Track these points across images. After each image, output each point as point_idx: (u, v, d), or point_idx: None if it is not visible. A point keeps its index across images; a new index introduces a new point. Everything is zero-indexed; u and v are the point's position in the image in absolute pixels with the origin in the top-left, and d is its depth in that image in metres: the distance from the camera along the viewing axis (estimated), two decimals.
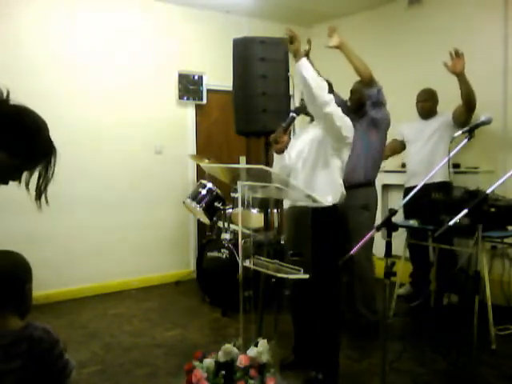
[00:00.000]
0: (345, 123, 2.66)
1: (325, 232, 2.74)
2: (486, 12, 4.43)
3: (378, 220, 4.03)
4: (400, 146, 4.53)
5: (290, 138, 2.92)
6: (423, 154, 4.23)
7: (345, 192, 2.86)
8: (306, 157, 2.82)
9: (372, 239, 3.33)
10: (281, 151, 2.83)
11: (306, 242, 2.72)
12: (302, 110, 2.84)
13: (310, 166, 2.79)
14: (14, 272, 1.56)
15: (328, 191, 2.72)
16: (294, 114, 2.81)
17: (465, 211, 2.21)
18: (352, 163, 3.60)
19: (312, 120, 2.93)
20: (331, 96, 2.60)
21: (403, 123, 4.49)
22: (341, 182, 2.83)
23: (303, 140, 2.91)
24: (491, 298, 3.39)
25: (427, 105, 4.33)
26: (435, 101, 4.35)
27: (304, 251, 2.71)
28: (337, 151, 2.75)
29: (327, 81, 2.76)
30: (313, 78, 2.53)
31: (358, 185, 3.56)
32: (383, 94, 3.52)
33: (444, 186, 3.90)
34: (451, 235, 3.94)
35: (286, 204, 3.02)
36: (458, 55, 3.86)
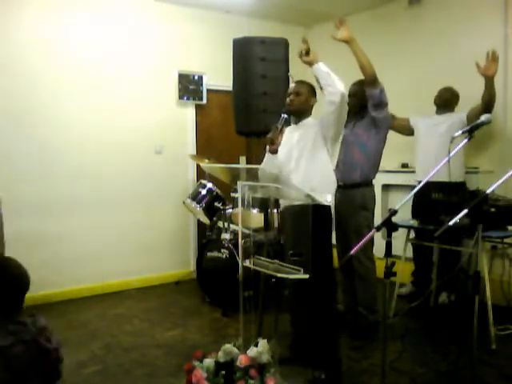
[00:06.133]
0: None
1: (321, 230, 2.77)
2: (486, 12, 4.43)
3: (378, 220, 4.04)
4: (407, 129, 4.47)
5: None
6: (434, 150, 4.17)
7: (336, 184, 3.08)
8: (298, 157, 2.95)
9: (372, 239, 3.32)
10: (275, 151, 2.93)
11: (304, 241, 2.73)
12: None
13: (304, 165, 2.93)
14: (28, 279, 1.82)
15: (325, 187, 2.83)
16: (285, 115, 2.94)
17: (465, 211, 2.21)
18: (349, 163, 3.61)
19: (297, 121, 3.07)
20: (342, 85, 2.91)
21: (417, 116, 4.45)
22: (333, 175, 3.02)
23: (291, 143, 3.04)
24: (491, 298, 3.39)
25: (445, 95, 4.28)
26: (454, 96, 4.30)
27: (302, 250, 2.72)
28: (329, 139, 2.93)
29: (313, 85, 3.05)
30: (331, 73, 2.90)
31: (355, 185, 3.56)
32: (385, 94, 3.49)
33: (458, 186, 3.88)
34: (456, 235, 3.91)
35: (282, 204, 3.10)
36: (494, 58, 3.83)
